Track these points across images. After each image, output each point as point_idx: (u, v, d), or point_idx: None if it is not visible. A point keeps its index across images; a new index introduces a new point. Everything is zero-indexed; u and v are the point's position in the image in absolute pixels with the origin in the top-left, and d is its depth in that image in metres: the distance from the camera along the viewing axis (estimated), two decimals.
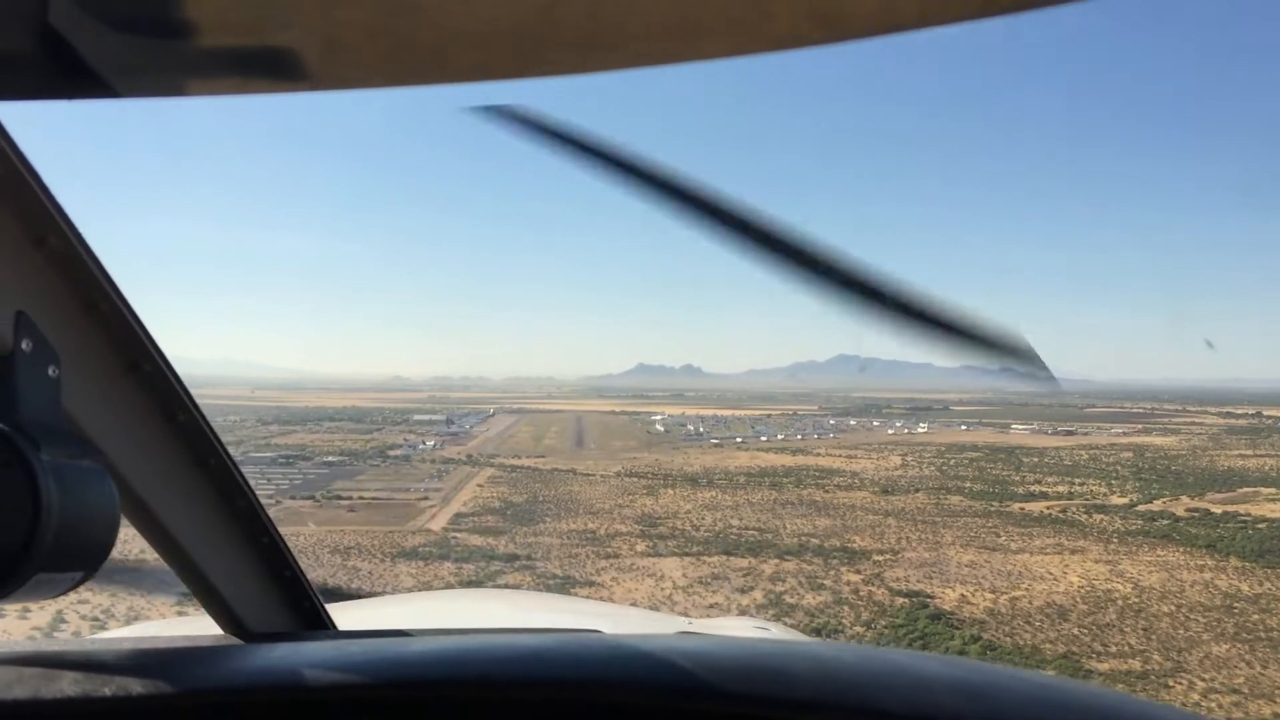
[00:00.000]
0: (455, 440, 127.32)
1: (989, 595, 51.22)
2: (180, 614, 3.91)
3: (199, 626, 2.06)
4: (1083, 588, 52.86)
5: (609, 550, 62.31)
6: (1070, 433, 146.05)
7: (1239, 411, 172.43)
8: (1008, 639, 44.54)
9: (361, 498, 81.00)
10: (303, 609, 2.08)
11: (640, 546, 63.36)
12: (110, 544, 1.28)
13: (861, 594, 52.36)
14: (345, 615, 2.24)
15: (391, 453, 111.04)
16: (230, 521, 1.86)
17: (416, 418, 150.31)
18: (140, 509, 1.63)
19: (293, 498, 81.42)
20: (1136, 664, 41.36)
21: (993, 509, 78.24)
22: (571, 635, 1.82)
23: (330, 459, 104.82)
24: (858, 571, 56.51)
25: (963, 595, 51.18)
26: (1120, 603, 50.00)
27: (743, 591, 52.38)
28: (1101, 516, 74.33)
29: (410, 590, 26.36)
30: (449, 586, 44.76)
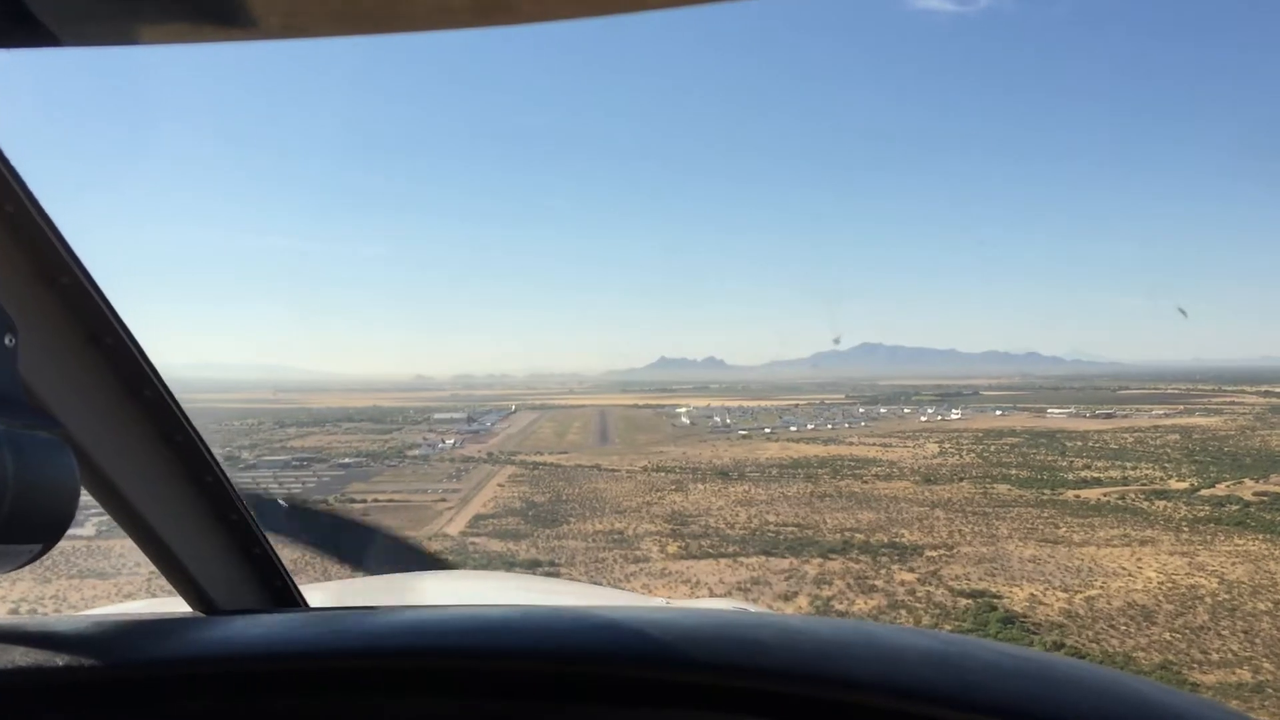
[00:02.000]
0: (476, 438, 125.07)
1: (1061, 595, 46.53)
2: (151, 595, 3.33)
3: (169, 606, 2.09)
4: (1163, 584, 48.10)
5: (638, 553, 58.08)
6: (1109, 415, 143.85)
7: (1278, 390, 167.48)
8: (1093, 645, 39.81)
9: (376, 500, 78.05)
10: (274, 587, 2.04)
11: (671, 548, 59.05)
12: (69, 516, 1.26)
13: (919, 595, 47.87)
14: (317, 594, 2.25)
15: (410, 453, 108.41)
16: (198, 498, 1.83)
17: (437, 416, 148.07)
18: (103, 483, 1.62)
19: (304, 502, 78.05)
20: (1246, 674, 36.54)
21: (1046, 498, 74.01)
22: (540, 608, 1.72)
23: (346, 460, 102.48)
24: (911, 570, 51.95)
25: (1032, 595, 46.50)
26: (1209, 601, 45.13)
27: (786, 598, 47.94)
28: (1164, 503, 69.86)
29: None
30: None
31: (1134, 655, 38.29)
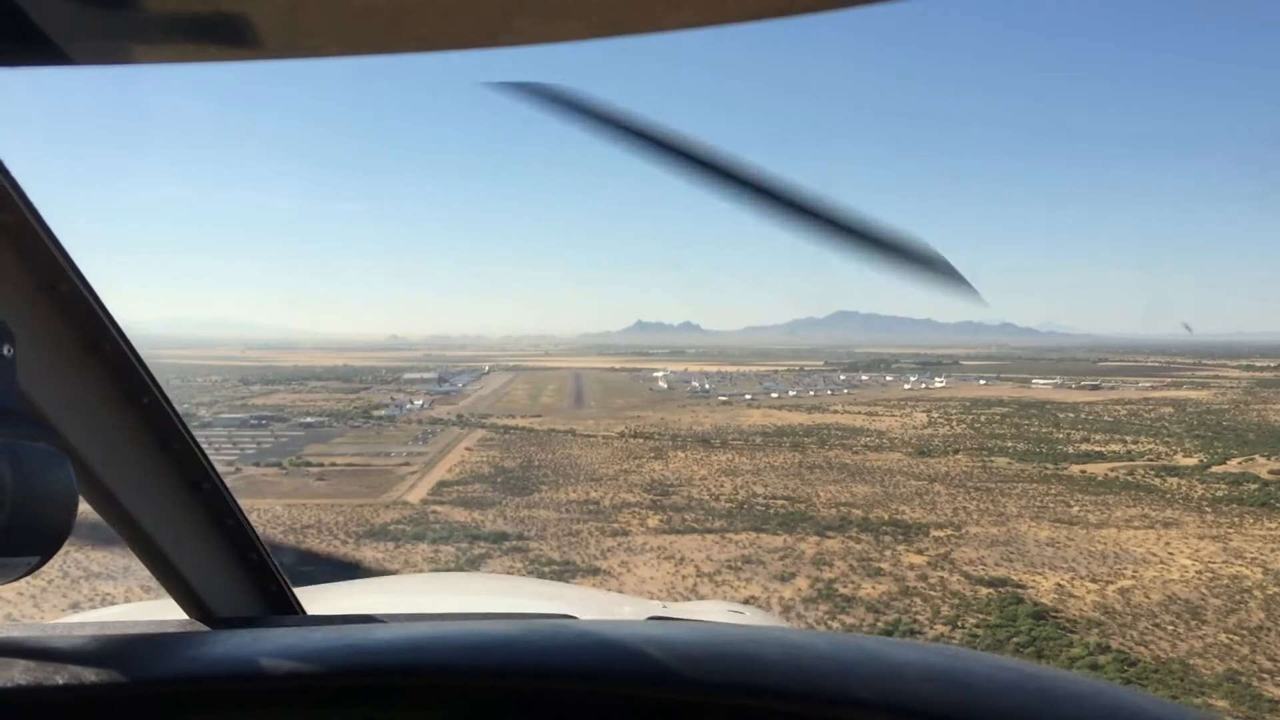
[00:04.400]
0: (446, 399, 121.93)
1: (1091, 585, 41.83)
2: (145, 600, 3.19)
3: (165, 612, 2.03)
4: (1202, 573, 43.72)
5: (616, 525, 53.06)
6: (1095, 387, 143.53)
7: (1259, 364, 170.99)
8: (1142, 650, 35.05)
9: (334, 464, 73.09)
10: (270, 593, 2.03)
11: (653, 521, 54.06)
12: (68, 529, 1.26)
13: (931, 581, 43.15)
14: (314, 599, 2.21)
15: (376, 413, 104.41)
16: (194, 505, 1.84)
17: (407, 376, 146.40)
18: (101, 493, 1.62)
19: (256, 464, 73.39)
20: None
21: (1049, 472, 70.11)
22: (541, 621, 1.76)
23: (308, 420, 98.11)
24: (919, 551, 47.26)
25: (1059, 585, 41.78)
26: (1259, 595, 40.58)
27: (783, 579, 43.05)
28: (1176, 480, 66.08)
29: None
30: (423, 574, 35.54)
31: (1191, 663, 33.55)
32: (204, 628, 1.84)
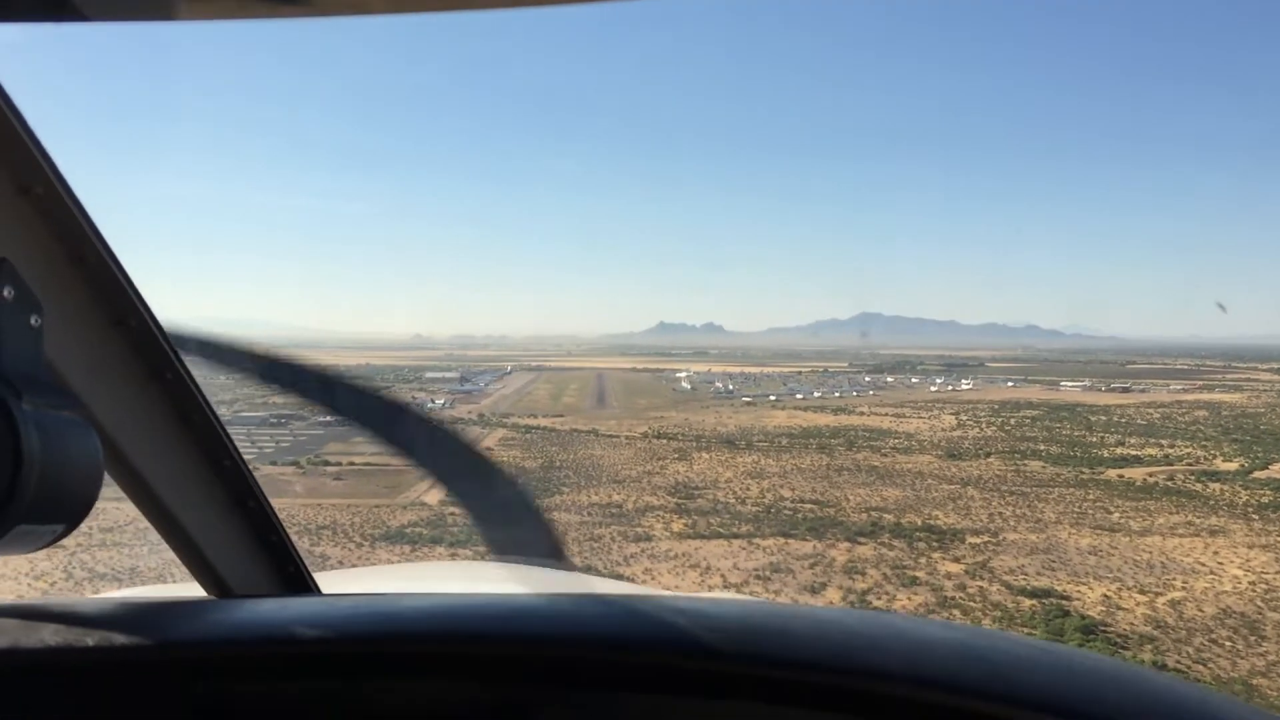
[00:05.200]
0: (468, 399, 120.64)
1: (1140, 597, 39.85)
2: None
3: (184, 591, 2.08)
4: (1256, 584, 41.61)
5: (639, 530, 51.44)
6: (1126, 389, 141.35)
7: None
8: (1200, 668, 33.10)
9: (352, 464, 71.73)
10: (287, 574, 2.05)
11: (677, 525, 52.38)
12: (93, 498, 1.28)
13: (970, 591, 41.30)
14: (330, 584, 2.22)
15: None
16: (215, 482, 1.85)
17: (429, 375, 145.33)
18: (123, 465, 1.64)
19: (274, 463, 72.37)
20: None
21: (1086, 477, 67.86)
22: (565, 595, 1.77)
23: (328, 419, 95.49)
24: (955, 559, 45.38)
25: (1105, 596, 39.86)
26: None
27: (813, 590, 41.29)
28: (1218, 485, 63.73)
29: None
30: None
31: (1255, 683, 31.62)
32: (228, 600, 1.85)
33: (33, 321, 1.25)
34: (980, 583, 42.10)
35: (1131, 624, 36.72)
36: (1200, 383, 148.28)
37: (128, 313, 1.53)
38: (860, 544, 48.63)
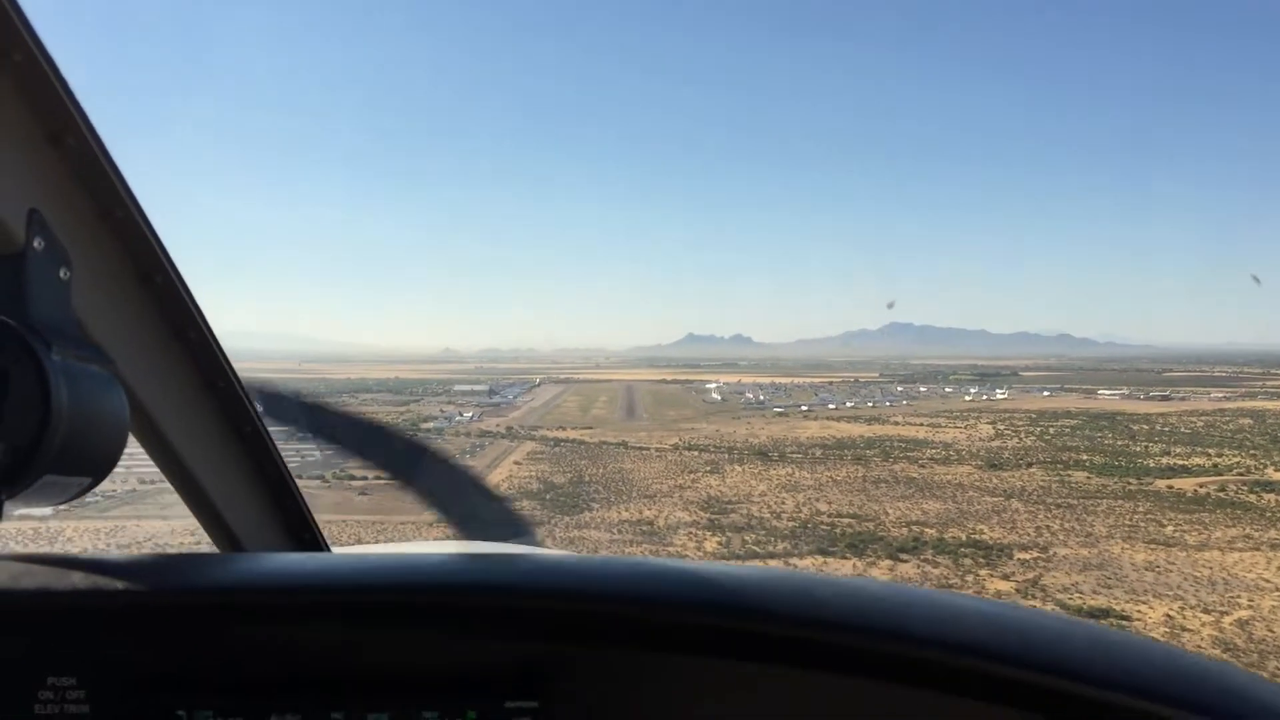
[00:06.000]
0: (496, 411, 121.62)
1: (1205, 617, 37.73)
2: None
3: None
4: None
5: (671, 549, 49.80)
6: (1165, 397, 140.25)
7: None
8: None
9: (379, 478, 67.82)
10: (303, 539, 2.07)
11: (710, 543, 50.81)
12: (118, 452, 1.31)
13: None
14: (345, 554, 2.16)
15: (425, 425, 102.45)
16: (235, 445, 1.86)
17: (458, 388, 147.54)
18: (145, 421, 1.64)
19: (299, 477, 70.81)
20: None
21: (1133, 488, 65.85)
22: (603, 556, 1.70)
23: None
24: (1005, 576, 43.51)
25: (1169, 616, 37.73)
26: None
27: None
28: (1273, 496, 61.42)
29: None
30: None
31: None
32: (250, 554, 1.87)
33: (61, 274, 1.27)
34: (1033, 601, 39.88)
35: (1198, 645, 34.45)
36: (1241, 390, 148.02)
37: (154, 269, 1.52)
38: (903, 561, 46.99)
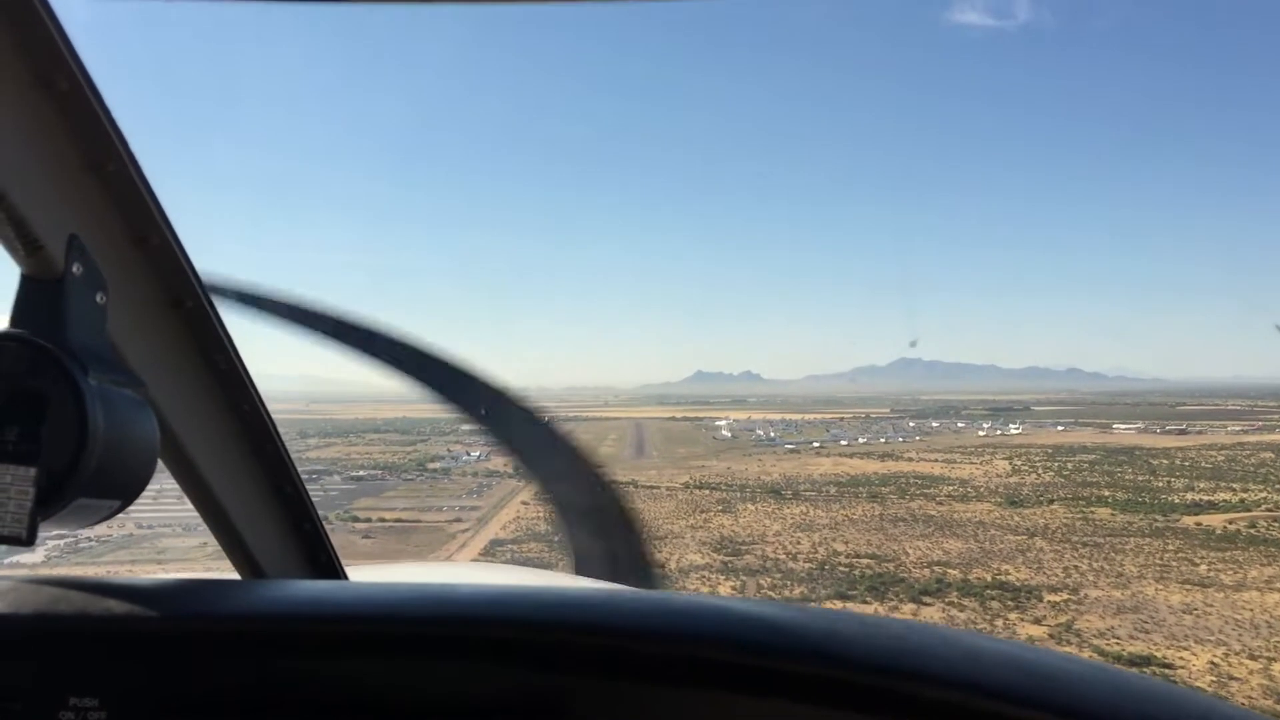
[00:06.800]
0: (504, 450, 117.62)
1: (1252, 664, 35.72)
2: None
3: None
4: None
5: (684, 592, 47.51)
6: (1182, 431, 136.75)
7: None
8: None
9: (383, 519, 69.47)
10: (320, 562, 2.10)
11: (725, 586, 48.83)
12: (148, 476, 1.35)
13: None
14: (359, 576, 2.28)
15: (431, 465, 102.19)
16: (258, 468, 1.90)
17: (465, 427, 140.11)
18: (172, 445, 1.67)
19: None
20: None
21: (1160, 525, 63.76)
22: (625, 590, 1.82)
23: (360, 474, 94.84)
24: (1035, 620, 41.46)
25: (1213, 664, 35.73)
26: None
27: None
28: None
29: None
30: None
31: None
32: (275, 581, 1.90)
33: (98, 299, 1.29)
34: (1068, 648, 37.87)
35: (1249, 697, 32.49)
36: (1259, 423, 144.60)
37: (186, 294, 1.55)
38: (926, 604, 45.03)
